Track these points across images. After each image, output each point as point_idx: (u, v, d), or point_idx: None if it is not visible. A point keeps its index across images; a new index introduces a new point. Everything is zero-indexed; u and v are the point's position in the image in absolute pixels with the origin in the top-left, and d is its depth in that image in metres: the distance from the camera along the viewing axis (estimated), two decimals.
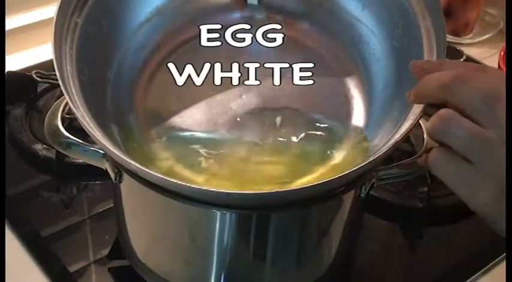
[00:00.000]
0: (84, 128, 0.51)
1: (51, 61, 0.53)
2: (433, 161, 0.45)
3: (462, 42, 1.05)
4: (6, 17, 0.91)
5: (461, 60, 0.93)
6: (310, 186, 0.48)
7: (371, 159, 0.50)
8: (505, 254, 0.68)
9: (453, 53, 0.94)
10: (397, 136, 0.51)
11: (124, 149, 0.57)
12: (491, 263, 0.69)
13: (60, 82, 0.52)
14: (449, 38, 1.01)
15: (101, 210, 0.72)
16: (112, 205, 0.66)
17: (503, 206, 0.42)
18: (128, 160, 0.49)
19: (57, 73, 0.52)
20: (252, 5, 0.68)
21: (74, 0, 0.57)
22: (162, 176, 0.48)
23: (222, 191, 0.48)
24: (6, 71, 0.85)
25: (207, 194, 0.49)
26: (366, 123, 0.62)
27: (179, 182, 0.48)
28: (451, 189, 0.45)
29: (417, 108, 0.52)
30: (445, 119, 0.44)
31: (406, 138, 0.52)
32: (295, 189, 0.49)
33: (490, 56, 1.02)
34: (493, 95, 0.42)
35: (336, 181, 0.49)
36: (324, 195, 0.53)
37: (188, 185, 0.48)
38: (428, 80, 0.47)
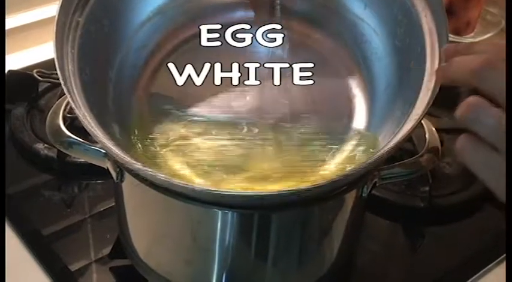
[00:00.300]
0: (85, 127, 0.50)
1: (52, 60, 0.53)
2: (461, 148, 0.45)
3: (463, 41, 1.04)
4: (7, 16, 0.91)
5: None
6: (312, 187, 0.48)
7: (373, 159, 0.50)
8: None
9: None
10: (400, 136, 0.51)
11: (125, 149, 0.57)
12: (493, 263, 0.69)
13: (61, 81, 0.52)
14: (451, 37, 1.00)
15: (102, 209, 0.72)
16: (113, 204, 0.66)
17: None
18: (130, 160, 0.49)
19: (58, 72, 0.52)
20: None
21: (75, 0, 0.57)
22: (164, 177, 0.48)
23: (223, 191, 0.48)
24: (7, 70, 0.85)
25: (209, 194, 0.49)
26: (368, 123, 0.62)
27: (181, 182, 0.48)
28: (479, 179, 0.44)
29: (419, 109, 0.52)
30: (474, 107, 0.43)
31: (408, 138, 0.52)
32: (296, 190, 0.49)
33: None
34: None
35: (337, 182, 0.49)
36: (326, 194, 0.52)
37: (190, 185, 0.48)
38: (458, 64, 0.46)
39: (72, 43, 0.56)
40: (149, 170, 0.48)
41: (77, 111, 0.51)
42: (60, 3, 0.55)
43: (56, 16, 0.55)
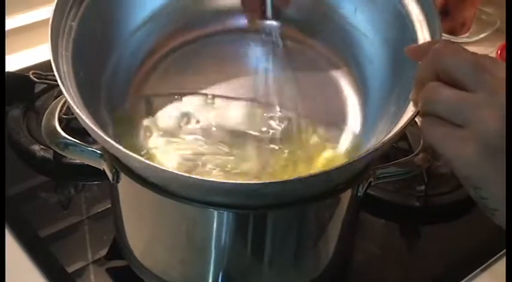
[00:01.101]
0: (84, 125, 0.50)
1: (48, 62, 0.53)
2: (422, 127, 0.46)
3: (459, 41, 1.04)
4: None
5: None
6: (309, 176, 0.47)
7: (368, 152, 0.49)
8: (503, 251, 0.68)
9: None
10: (394, 131, 0.51)
11: None
12: (489, 261, 0.69)
13: (59, 81, 0.51)
14: (446, 37, 1.01)
15: (98, 210, 0.72)
16: (110, 205, 0.66)
17: (486, 168, 0.42)
18: (130, 154, 0.48)
19: (55, 72, 0.52)
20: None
21: (68, 4, 0.57)
22: (162, 168, 0.47)
23: (218, 181, 0.48)
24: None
25: (204, 185, 0.48)
26: (362, 124, 0.62)
27: (179, 173, 0.47)
28: (442, 157, 0.45)
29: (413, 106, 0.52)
30: (428, 88, 0.45)
31: (402, 135, 0.52)
32: (291, 180, 0.47)
33: (488, 54, 1.01)
34: (480, 64, 0.43)
35: (330, 173, 0.48)
36: (322, 194, 0.53)
37: (187, 175, 0.47)
38: (422, 63, 0.48)
39: (66, 46, 0.55)
40: (150, 163, 0.48)
41: (77, 110, 0.50)
42: (53, 7, 0.55)
43: (50, 20, 0.55)
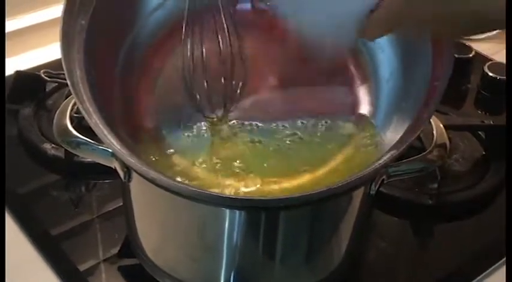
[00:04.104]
0: (99, 136, 0.50)
1: (59, 60, 0.53)
2: None
3: (471, 37, 1.03)
4: (14, 17, 0.91)
5: (470, 55, 0.93)
6: (320, 191, 0.48)
7: (385, 158, 0.50)
8: None
9: (461, 48, 0.93)
10: (411, 137, 0.51)
11: (134, 151, 0.57)
12: (501, 261, 0.68)
13: (72, 91, 0.51)
14: None
15: (110, 209, 0.72)
16: (121, 204, 0.66)
17: None
18: (149, 170, 0.49)
19: (68, 83, 0.52)
20: None
21: (77, 2, 0.57)
22: (180, 184, 0.48)
23: (231, 196, 0.49)
24: (14, 70, 0.85)
25: (218, 198, 0.49)
26: (373, 114, 0.62)
27: (194, 188, 0.48)
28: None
29: (432, 104, 0.52)
30: None
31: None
32: (305, 195, 0.49)
33: (499, 51, 1.01)
34: None
35: (349, 183, 0.49)
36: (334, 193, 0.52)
37: (202, 190, 0.49)
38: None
39: (78, 48, 0.55)
40: (169, 179, 0.49)
41: (88, 120, 0.50)
42: (63, 9, 0.55)
43: (61, 23, 0.54)
